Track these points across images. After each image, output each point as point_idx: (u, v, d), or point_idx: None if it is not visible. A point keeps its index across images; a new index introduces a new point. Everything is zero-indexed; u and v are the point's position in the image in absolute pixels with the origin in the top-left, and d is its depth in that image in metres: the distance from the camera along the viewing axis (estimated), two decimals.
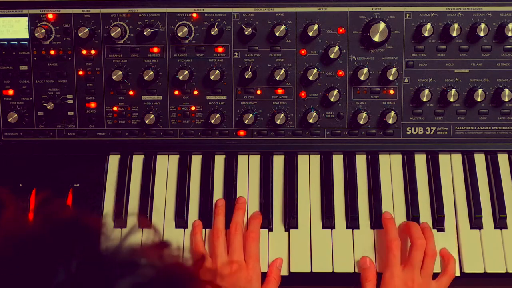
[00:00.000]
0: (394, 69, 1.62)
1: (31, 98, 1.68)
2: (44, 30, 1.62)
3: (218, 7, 1.63)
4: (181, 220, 1.62)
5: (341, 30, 1.64)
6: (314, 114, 1.64)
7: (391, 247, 1.51)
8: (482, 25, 1.59)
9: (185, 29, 1.61)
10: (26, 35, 1.65)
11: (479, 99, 1.63)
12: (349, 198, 1.63)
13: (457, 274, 1.56)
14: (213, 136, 1.69)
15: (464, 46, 1.64)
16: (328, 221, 1.61)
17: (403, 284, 1.47)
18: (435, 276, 1.52)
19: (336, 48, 1.61)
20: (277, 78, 1.63)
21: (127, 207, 1.64)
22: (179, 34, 1.61)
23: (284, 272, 1.57)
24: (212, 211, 1.62)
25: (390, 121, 1.64)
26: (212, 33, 1.61)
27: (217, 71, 1.63)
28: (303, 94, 1.67)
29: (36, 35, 1.62)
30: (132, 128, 1.69)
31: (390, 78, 1.62)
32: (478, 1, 1.62)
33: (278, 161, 1.69)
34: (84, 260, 0.74)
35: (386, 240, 1.53)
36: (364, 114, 1.65)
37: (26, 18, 1.64)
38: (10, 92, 1.68)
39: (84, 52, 1.66)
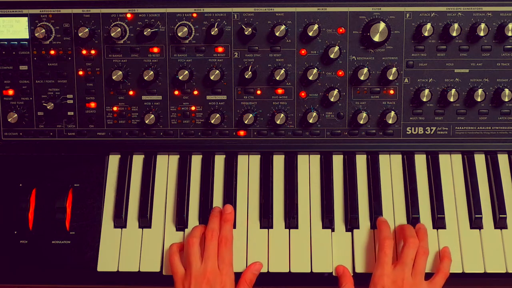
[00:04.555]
0: (394, 69, 1.62)
1: (31, 98, 1.68)
2: (44, 30, 1.62)
3: (218, 7, 1.63)
4: (181, 220, 1.62)
5: (341, 30, 1.64)
6: (314, 114, 1.65)
7: (383, 245, 1.51)
8: (482, 25, 1.59)
9: (185, 29, 1.61)
10: (26, 35, 1.65)
11: (479, 99, 1.63)
12: (349, 198, 1.63)
13: (459, 271, 1.56)
14: (213, 136, 1.69)
15: (464, 46, 1.64)
16: (328, 221, 1.61)
17: (392, 283, 1.46)
18: (429, 276, 1.52)
19: (336, 48, 1.61)
20: (277, 78, 1.63)
21: (127, 207, 1.64)
22: (179, 34, 1.61)
23: (285, 271, 1.57)
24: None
25: (390, 121, 1.64)
26: (212, 33, 1.61)
27: (217, 71, 1.63)
28: (303, 94, 1.67)
29: (36, 35, 1.62)
30: (132, 128, 1.69)
31: (390, 78, 1.62)
32: (478, 1, 1.62)
33: (278, 161, 1.69)
34: None
35: (379, 239, 1.54)
36: (364, 114, 1.65)
37: (26, 18, 1.65)
38: (10, 92, 1.68)
39: (84, 52, 1.66)
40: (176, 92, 1.67)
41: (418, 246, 1.51)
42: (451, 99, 1.63)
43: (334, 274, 1.57)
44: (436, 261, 1.56)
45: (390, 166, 1.68)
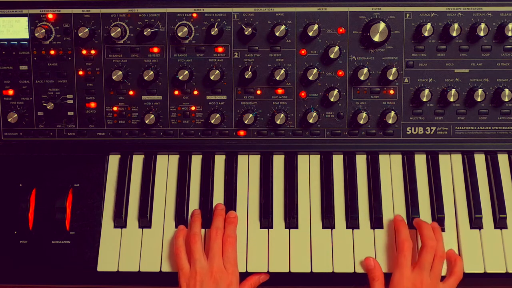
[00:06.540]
0: (394, 69, 1.62)
1: (31, 98, 1.68)
2: (44, 30, 1.62)
3: (218, 7, 1.63)
4: (181, 220, 1.62)
5: (341, 30, 1.64)
6: (314, 114, 1.65)
7: (402, 248, 1.51)
8: (482, 25, 1.59)
9: (185, 29, 1.61)
10: (26, 35, 1.65)
11: (479, 99, 1.63)
12: (349, 198, 1.63)
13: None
14: (213, 136, 1.69)
15: (464, 46, 1.64)
16: (328, 221, 1.61)
17: (412, 285, 1.46)
18: (442, 277, 1.53)
19: (336, 48, 1.61)
20: (277, 78, 1.63)
21: (127, 207, 1.64)
22: (179, 34, 1.61)
23: (285, 271, 1.57)
24: (212, 211, 1.62)
25: (390, 121, 1.64)
26: (212, 33, 1.61)
27: (217, 71, 1.63)
28: (303, 94, 1.67)
29: (36, 35, 1.62)
30: (132, 128, 1.69)
31: (390, 78, 1.62)
32: (478, 1, 1.62)
33: (278, 161, 1.69)
34: None
35: (397, 241, 1.53)
36: (364, 114, 1.65)
37: (26, 18, 1.65)
38: (10, 92, 1.68)
39: (84, 52, 1.66)
40: (176, 92, 1.67)
41: (436, 249, 1.51)
42: (451, 99, 1.63)
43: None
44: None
45: (390, 166, 1.68)
